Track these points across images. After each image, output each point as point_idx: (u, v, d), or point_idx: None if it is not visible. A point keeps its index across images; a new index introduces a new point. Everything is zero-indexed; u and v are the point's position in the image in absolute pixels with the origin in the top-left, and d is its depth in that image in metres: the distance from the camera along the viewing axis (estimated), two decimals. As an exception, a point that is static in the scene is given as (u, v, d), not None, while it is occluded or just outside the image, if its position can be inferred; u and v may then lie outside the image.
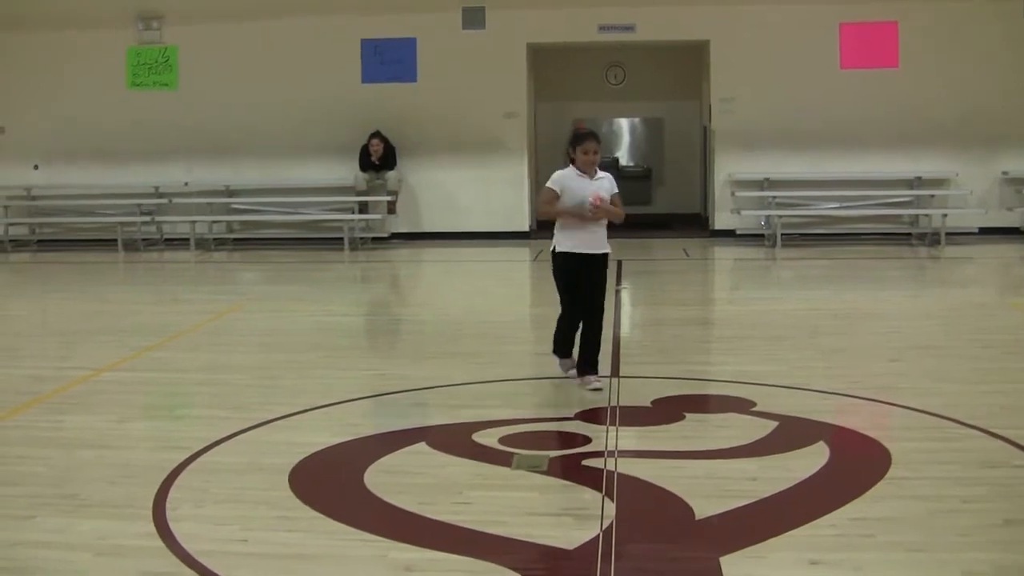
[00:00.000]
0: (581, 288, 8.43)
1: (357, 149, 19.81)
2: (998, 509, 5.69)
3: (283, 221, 20.64)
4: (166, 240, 20.53)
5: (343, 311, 13.76)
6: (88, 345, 10.90)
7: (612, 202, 8.41)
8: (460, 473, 6.48)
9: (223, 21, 20.14)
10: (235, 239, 20.66)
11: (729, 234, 19.90)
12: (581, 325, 8.55)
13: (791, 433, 7.18)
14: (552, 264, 8.53)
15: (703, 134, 21.89)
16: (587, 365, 8.49)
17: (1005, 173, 19.43)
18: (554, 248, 8.47)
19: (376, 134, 19.68)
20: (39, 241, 20.84)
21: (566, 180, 8.38)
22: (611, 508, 5.78)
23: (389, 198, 19.82)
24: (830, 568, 4.98)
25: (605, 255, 8.51)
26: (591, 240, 8.41)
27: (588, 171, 8.39)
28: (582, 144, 8.35)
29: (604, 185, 8.43)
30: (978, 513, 5.65)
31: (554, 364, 8.80)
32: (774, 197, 19.42)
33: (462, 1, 19.90)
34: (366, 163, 19.82)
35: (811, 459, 6.59)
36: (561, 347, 8.71)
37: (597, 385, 8.31)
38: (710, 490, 6.02)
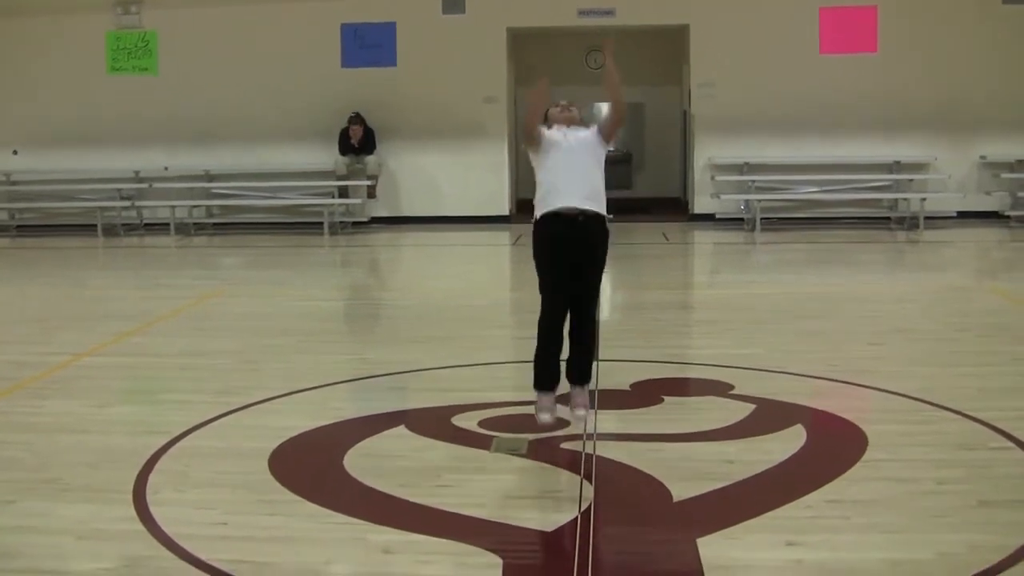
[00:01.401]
0: (566, 270, 6.67)
1: (337, 134, 19.78)
2: (973, 491, 5.74)
3: (263, 206, 20.62)
4: (146, 225, 20.50)
5: (323, 295, 13.77)
6: (68, 330, 10.89)
7: (603, 131, 7.00)
8: (439, 456, 6.50)
9: (202, 5, 20.09)
10: (215, 224, 20.64)
11: (709, 218, 19.95)
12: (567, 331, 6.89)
13: (768, 416, 7.22)
14: (532, 244, 6.85)
15: (683, 119, 21.94)
16: (577, 374, 6.94)
17: (983, 157, 19.52)
18: (534, 219, 6.81)
19: (356, 117, 19.65)
20: (19, 227, 20.77)
21: (546, 132, 6.91)
22: (589, 491, 5.81)
23: (369, 182, 19.81)
24: (806, 549, 5.02)
25: (599, 218, 6.74)
26: (576, 192, 6.67)
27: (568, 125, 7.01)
28: (549, 110, 7.15)
29: (585, 134, 6.97)
30: (954, 495, 5.69)
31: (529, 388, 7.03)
32: (753, 181, 19.47)
33: (442, -15, 19.91)
34: (346, 147, 19.80)
35: (788, 442, 6.63)
36: (544, 371, 6.82)
37: (581, 412, 6.88)
38: (688, 473, 6.05)
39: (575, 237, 6.61)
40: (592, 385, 7.02)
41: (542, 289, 6.73)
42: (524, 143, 6.94)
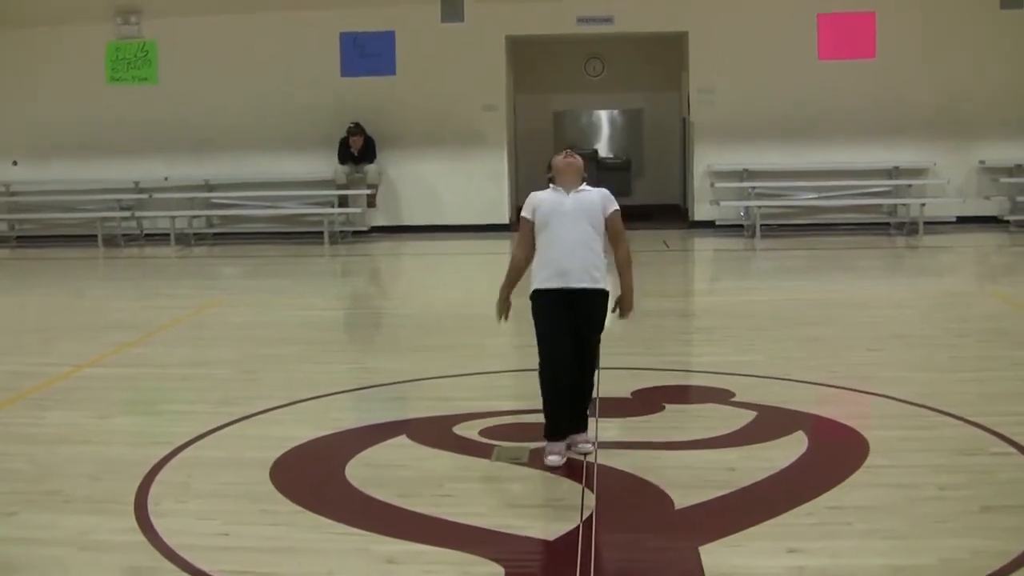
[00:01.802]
0: (564, 333, 6.49)
1: (336, 143, 19.79)
2: (975, 496, 5.74)
3: (263, 215, 20.61)
4: (146, 235, 20.49)
5: (324, 305, 13.77)
6: (69, 341, 10.89)
7: (610, 225, 6.63)
8: (441, 465, 6.50)
9: (202, 15, 20.11)
10: (215, 234, 20.63)
11: (709, 225, 19.95)
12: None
13: (770, 423, 7.22)
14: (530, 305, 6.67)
15: (682, 125, 21.94)
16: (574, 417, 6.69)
17: (982, 162, 19.53)
18: (532, 286, 6.65)
19: (355, 127, 19.66)
20: (19, 237, 20.77)
21: (538, 198, 6.71)
22: (591, 499, 5.82)
23: (369, 191, 19.81)
24: (808, 556, 5.02)
25: (598, 292, 6.54)
26: (576, 269, 6.48)
27: (567, 182, 6.68)
28: (553, 158, 6.86)
29: (588, 198, 6.62)
30: (955, 500, 5.69)
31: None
32: (753, 188, 19.48)
33: (441, -6, 19.94)
34: (345, 156, 19.81)
35: (789, 448, 6.63)
36: (551, 421, 6.60)
37: (587, 448, 6.62)
38: (689, 480, 6.05)
39: (573, 311, 6.48)
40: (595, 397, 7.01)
41: (539, 342, 6.56)
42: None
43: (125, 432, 7.50)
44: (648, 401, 7.92)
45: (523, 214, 6.74)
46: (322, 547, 5.28)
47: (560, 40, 21.91)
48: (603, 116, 24.13)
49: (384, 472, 6.38)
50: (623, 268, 6.74)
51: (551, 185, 6.73)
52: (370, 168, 19.80)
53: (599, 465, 6.35)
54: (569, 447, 6.56)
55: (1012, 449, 6.52)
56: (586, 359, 6.58)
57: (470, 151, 20.22)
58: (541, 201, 6.65)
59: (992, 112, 19.35)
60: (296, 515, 5.70)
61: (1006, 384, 8.26)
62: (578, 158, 6.81)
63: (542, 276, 6.52)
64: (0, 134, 20.87)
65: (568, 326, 6.46)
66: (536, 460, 6.48)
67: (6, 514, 5.78)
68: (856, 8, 19.46)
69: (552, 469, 6.33)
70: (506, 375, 9.06)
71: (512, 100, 21.34)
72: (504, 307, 6.81)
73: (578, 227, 6.51)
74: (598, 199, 6.62)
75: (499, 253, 18.16)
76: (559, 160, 6.78)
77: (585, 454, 6.54)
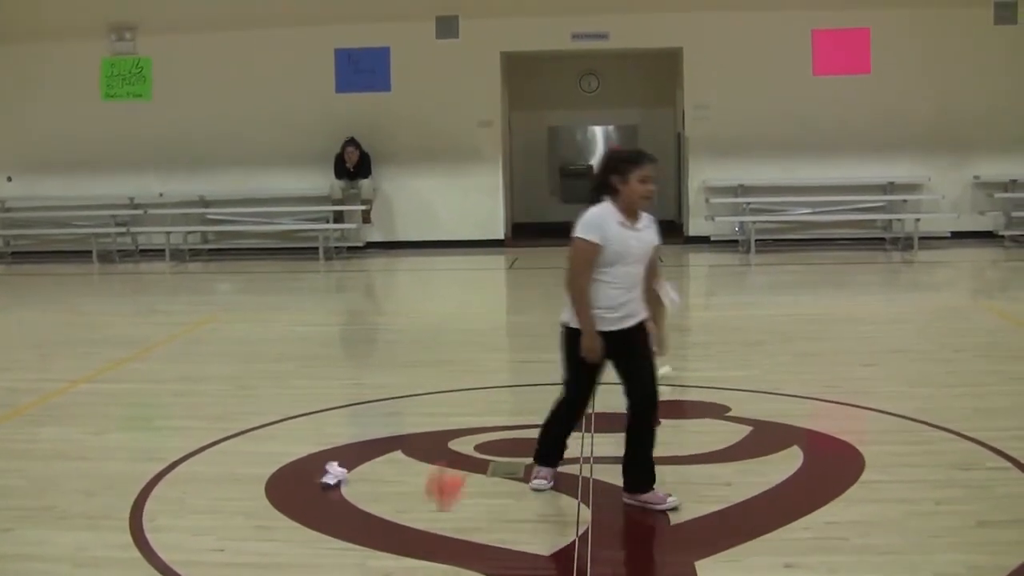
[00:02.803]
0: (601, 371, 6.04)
1: (331, 159, 19.78)
2: (972, 511, 5.74)
3: (258, 231, 20.60)
4: (141, 251, 20.47)
5: (319, 320, 13.76)
6: (64, 357, 10.87)
7: (651, 262, 6.11)
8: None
9: (196, 32, 20.09)
10: (210, 249, 20.61)
11: (704, 240, 19.95)
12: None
13: (765, 438, 7.22)
14: (563, 340, 6.08)
15: (677, 141, 21.95)
16: (647, 476, 6.03)
17: (977, 177, 19.55)
18: (567, 322, 5.99)
19: (351, 141, 19.66)
20: (13, 253, 20.74)
21: (608, 225, 5.82)
22: (587, 514, 5.81)
23: (364, 207, 19.80)
24: (805, 571, 5.02)
25: (643, 324, 6.07)
26: (637, 312, 6.00)
27: (636, 211, 5.92)
28: (640, 167, 5.83)
29: (650, 237, 6.03)
30: (952, 515, 5.70)
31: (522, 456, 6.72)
32: (748, 203, 19.50)
33: (436, 10, 19.91)
34: (341, 171, 19.80)
35: (785, 463, 6.64)
36: (552, 449, 6.39)
37: (674, 502, 5.90)
38: (685, 495, 6.04)
39: (622, 348, 5.96)
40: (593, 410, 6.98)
41: (572, 382, 6.12)
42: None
43: (121, 448, 7.49)
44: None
45: (583, 235, 5.81)
46: (317, 563, 5.27)
47: (555, 56, 21.93)
48: (598, 132, 24.10)
49: (379, 488, 6.37)
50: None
51: (611, 198, 5.88)
52: (364, 183, 19.78)
53: (595, 480, 6.35)
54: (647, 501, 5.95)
55: (1008, 464, 6.52)
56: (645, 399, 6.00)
57: (465, 167, 20.22)
58: (610, 226, 5.82)
59: (986, 127, 19.38)
60: (291, 531, 5.70)
61: (1002, 399, 8.26)
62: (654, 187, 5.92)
63: (606, 318, 5.87)
64: (-5, 150, 20.88)
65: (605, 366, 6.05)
66: (531, 476, 6.47)
67: (1, 530, 5.78)
68: (851, 24, 19.48)
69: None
70: (501, 390, 9.06)
71: (507, 116, 21.35)
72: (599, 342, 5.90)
73: (641, 270, 6.00)
74: (656, 233, 6.11)
75: (495, 268, 18.20)
76: (640, 188, 5.85)
77: (673, 508, 5.87)
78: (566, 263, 5.89)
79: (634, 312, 5.94)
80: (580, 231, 5.80)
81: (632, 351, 5.96)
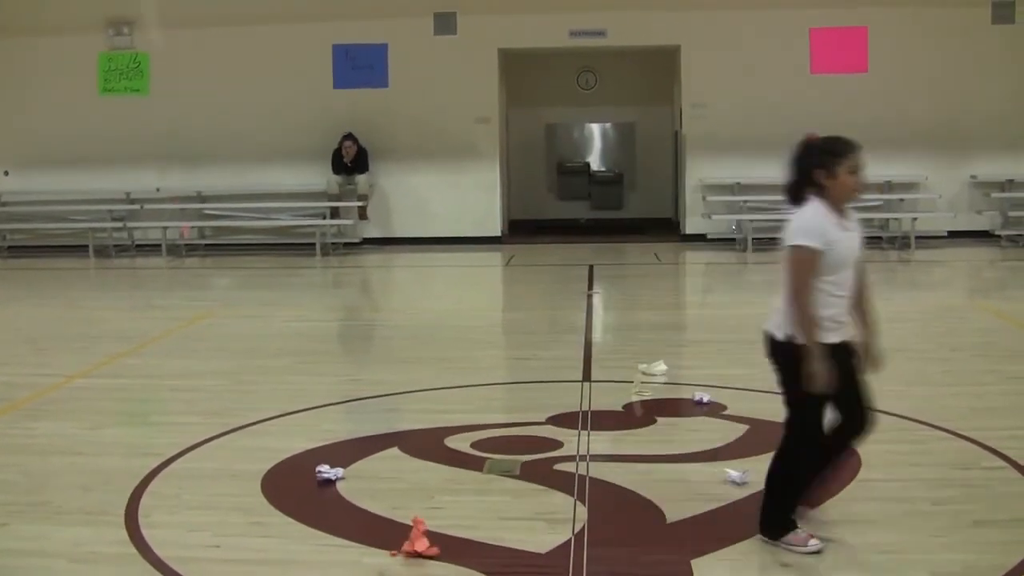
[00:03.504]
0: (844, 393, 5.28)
1: (329, 155, 19.76)
2: (968, 510, 5.75)
3: (255, 227, 20.57)
4: (138, 246, 20.44)
5: (316, 316, 13.74)
6: (60, 352, 10.85)
7: (860, 266, 5.47)
8: (433, 478, 6.49)
9: (194, 27, 20.06)
10: (207, 245, 20.58)
11: (700, 238, 19.94)
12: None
13: (762, 436, 7.20)
14: (789, 362, 5.21)
15: (674, 138, 21.94)
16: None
17: (974, 177, 19.55)
18: (792, 337, 5.17)
19: (348, 136, 19.65)
20: (10, 247, 20.70)
21: (828, 228, 5.18)
22: (583, 512, 5.81)
23: (360, 203, 19.78)
24: (801, 571, 5.02)
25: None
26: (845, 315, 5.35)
27: (845, 208, 5.32)
28: (848, 158, 5.22)
29: (859, 236, 5.43)
30: (949, 514, 5.70)
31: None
32: (745, 201, 19.47)
33: (434, 7, 19.88)
34: (339, 165, 19.78)
35: (782, 462, 6.62)
36: (798, 493, 5.44)
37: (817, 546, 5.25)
38: (681, 494, 6.04)
39: (846, 363, 5.30)
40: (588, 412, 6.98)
41: (810, 407, 5.26)
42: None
43: (117, 443, 7.48)
44: (640, 414, 7.92)
45: (803, 242, 5.15)
46: (313, 559, 5.27)
47: (553, 53, 21.91)
48: (595, 129, 24.11)
49: (375, 484, 6.37)
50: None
51: (819, 195, 5.28)
52: (360, 178, 19.76)
53: (591, 478, 6.34)
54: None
55: (1005, 463, 6.53)
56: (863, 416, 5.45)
57: (462, 163, 20.20)
58: (830, 229, 5.20)
59: (984, 126, 19.38)
60: (287, 527, 5.69)
61: (999, 398, 8.27)
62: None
63: (832, 329, 5.24)
64: (-8, 144, 20.86)
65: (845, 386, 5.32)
66: (527, 472, 6.47)
67: (-3, 525, 5.77)
68: (848, 23, 19.48)
69: (553, 489, 6.30)
70: (498, 387, 9.05)
71: (504, 113, 21.34)
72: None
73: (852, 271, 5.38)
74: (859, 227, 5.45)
75: (491, 265, 18.21)
76: (851, 180, 5.25)
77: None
78: (783, 276, 5.23)
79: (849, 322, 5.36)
80: (799, 238, 5.14)
81: (854, 367, 5.39)
